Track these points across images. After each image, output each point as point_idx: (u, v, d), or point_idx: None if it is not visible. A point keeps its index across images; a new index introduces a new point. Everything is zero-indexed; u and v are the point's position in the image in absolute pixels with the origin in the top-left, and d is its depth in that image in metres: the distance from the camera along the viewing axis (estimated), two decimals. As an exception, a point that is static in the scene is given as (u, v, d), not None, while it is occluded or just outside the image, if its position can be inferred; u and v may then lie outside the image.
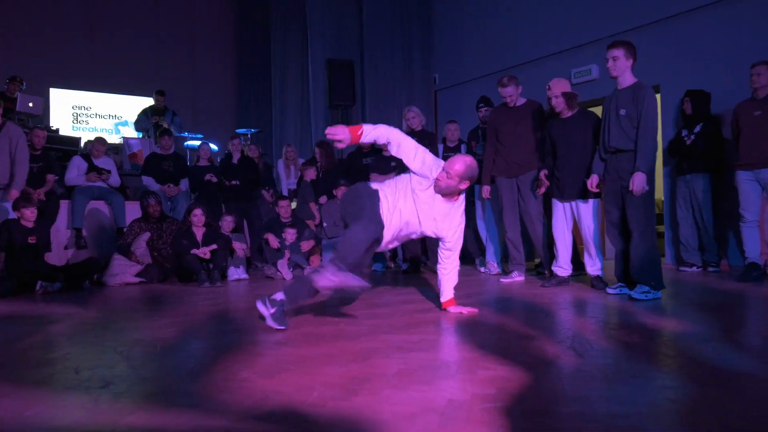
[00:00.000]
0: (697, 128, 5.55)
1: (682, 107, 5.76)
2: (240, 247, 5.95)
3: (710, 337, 2.59)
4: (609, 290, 4.10)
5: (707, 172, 5.52)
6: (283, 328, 2.88)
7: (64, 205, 6.19)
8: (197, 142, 7.98)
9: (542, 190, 4.66)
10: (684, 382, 1.91)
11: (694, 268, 5.57)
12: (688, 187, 5.63)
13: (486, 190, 5.25)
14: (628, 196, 3.83)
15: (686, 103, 5.63)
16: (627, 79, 3.91)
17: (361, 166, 6.59)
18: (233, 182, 6.80)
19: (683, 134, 5.68)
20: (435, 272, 5.78)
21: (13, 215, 5.20)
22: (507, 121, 5.05)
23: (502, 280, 5.04)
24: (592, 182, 4.14)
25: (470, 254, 6.50)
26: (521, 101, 5.06)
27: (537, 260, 6.04)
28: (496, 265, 5.70)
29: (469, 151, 6.02)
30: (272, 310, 2.89)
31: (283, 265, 5.74)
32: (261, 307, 2.92)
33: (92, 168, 6.40)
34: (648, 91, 3.82)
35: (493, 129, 5.16)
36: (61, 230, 6.15)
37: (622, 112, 3.85)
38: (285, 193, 7.36)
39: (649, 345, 2.50)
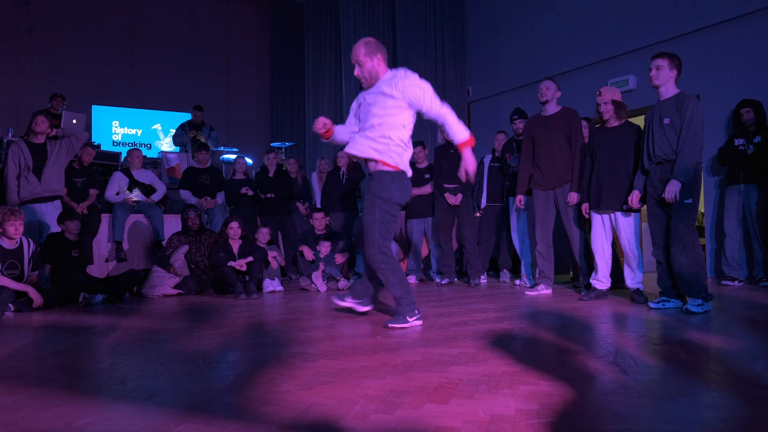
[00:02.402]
0: (758, 138, 5.40)
1: (737, 116, 5.62)
2: (272, 255, 6.01)
3: (760, 354, 2.51)
4: (651, 305, 4.00)
5: (764, 184, 5.37)
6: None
7: (105, 218, 6.36)
8: (233, 156, 8.12)
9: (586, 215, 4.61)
10: (735, 401, 1.85)
11: (736, 283, 5.43)
12: (741, 197, 5.48)
13: (519, 200, 5.21)
14: (672, 208, 3.78)
15: (747, 113, 5.49)
16: (670, 89, 3.90)
17: None
18: (268, 195, 6.89)
19: (738, 143, 5.53)
20: (468, 284, 5.79)
21: (57, 229, 5.37)
22: (541, 130, 4.98)
23: (527, 292, 4.99)
24: (633, 198, 4.10)
25: (500, 266, 6.44)
26: (556, 108, 4.98)
27: (570, 275, 5.96)
28: (528, 278, 5.64)
29: (504, 164, 5.98)
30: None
31: (317, 277, 5.77)
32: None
33: (133, 182, 6.57)
34: (692, 100, 3.78)
35: (529, 139, 5.10)
36: (102, 243, 6.32)
37: (666, 120, 3.82)
38: (319, 205, 7.42)
39: (696, 362, 2.43)
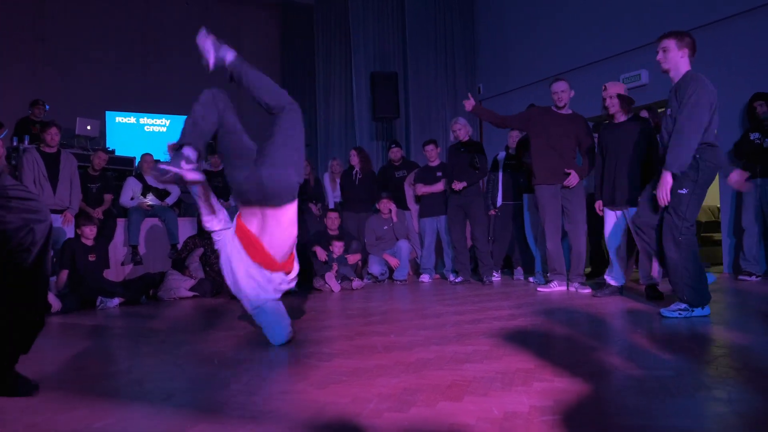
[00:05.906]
0: None
1: (751, 110, 5.57)
2: None
3: (778, 348, 2.48)
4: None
5: None
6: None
7: (120, 222, 6.42)
8: (245, 159, 8.15)
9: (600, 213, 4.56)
10: (752, 395, 1.84)
11: (753, 278, 5.37)
12: (758, 191, 5.43)
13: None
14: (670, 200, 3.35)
15: (761, 107, 5.45)
16: (681, 72, 3.40)
17: (395, 180, 6.82)
18: (281, 196, 6.93)
19: (753, 137, 5.47)
20: (482, 282, 5.78)
21: (72, 235, 5.44)
22: (552, 124, 4.93)
23: (539, 289, 4.97)
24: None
25: (513, 263, 6.42)
26: (567, 111, 4.97)
27: (588, 269, 5.91)
28: (541, 275, 5.61)
29: (520, 160, 5.94)
30: None
31: (330, 277, 5.79)
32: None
33: (147, 188, 6.64)
34: (695, 79, 3.28)
35: (541, 130, 5.01)
36: (118, 247, 6.38)
37: (668, 112, 3.46)
38: (331, 206, 7.44)
39: (713, 357, 2.41)
